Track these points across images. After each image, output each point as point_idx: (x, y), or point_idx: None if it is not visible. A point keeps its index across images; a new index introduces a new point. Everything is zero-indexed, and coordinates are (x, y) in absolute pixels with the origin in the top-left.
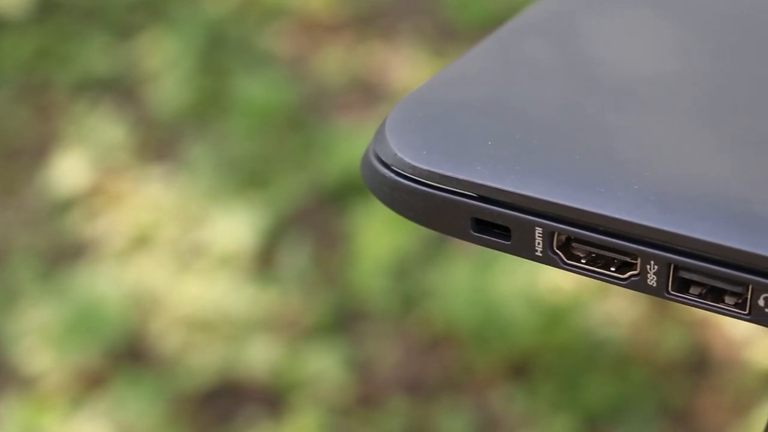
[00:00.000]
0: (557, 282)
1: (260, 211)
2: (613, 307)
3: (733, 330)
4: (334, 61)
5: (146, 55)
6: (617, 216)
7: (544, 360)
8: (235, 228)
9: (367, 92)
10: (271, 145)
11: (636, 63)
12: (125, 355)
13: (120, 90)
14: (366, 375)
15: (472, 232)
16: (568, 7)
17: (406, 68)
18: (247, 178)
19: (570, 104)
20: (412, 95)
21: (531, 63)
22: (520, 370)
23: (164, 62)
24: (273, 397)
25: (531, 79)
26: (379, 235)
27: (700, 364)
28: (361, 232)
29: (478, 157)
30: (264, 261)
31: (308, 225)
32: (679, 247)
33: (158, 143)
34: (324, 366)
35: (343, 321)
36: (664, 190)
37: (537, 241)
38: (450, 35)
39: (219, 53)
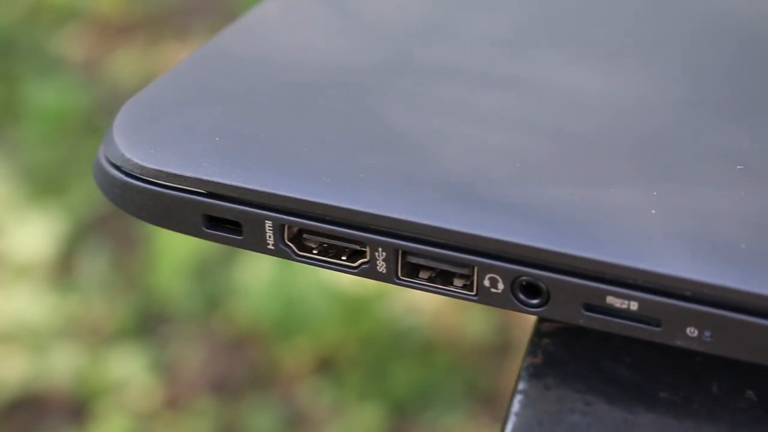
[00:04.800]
0: None
1: (57, 218)
2: (416, 295)
3: None
4: (128, 63)
5: None
6: (342, 205)
7: (349, 351)
8: (32, 237)
9: None
10: (66, 151)
11: (356, 54)
12: None
13: None
14: (171, 377)
15: (204, 229)
16: (292, 7)
17: None
18: (42, 186)
19: (297, 98)
20: (140, 96)
21: (259, 59)
22: (326, 362)
23: None
24: (77, 406)
25: (258, 75)
26: (178, 237)
27: (504, 346)
28: (160, 235)
29: (206, 153)
30: (63, 269)
31: (106, 230)
32: (405, 233)
33: None
34: (128, 371)
35: (146, 325)
36: (389, 177)
37: (268, 234)
38: None
39: (8, 60)
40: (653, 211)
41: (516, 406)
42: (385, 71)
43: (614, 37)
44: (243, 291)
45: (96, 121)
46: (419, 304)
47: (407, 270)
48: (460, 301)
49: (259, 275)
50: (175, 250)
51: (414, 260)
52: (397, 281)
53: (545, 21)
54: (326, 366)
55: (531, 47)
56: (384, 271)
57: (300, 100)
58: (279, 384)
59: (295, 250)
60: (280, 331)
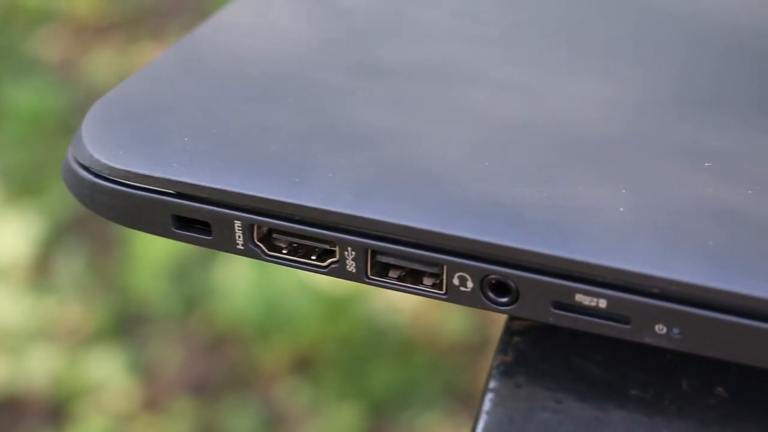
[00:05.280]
0: None
1: (34, 220)
2: (395, 294)
3: None
4: (104, 64)
5: None
6: (311, 205)
7: (327, 351)
8: (8, 239)
9: None
10: (42, 152)
11: (325, 53)
12: None
13: None
14: (150, 378)
15: (173, 230)
16: (262, 7)
17: None
18: (18, 187)
19: (267, 98)
20: (108, 97)
21: (229, 59)
22: (305, 362)
23: None
24: (55, 408)
25: (228, 75)
26: (156, 237)
27: (482, 345)
28: (137, 236)
29: (175, 153)
30: (40, 270)
31: (83, 231)
32: (374, 232)
33: None
34: (106, 372)
35: (124, 326)
36: (358, 176)
37: (237, 234)
38: None
39: None
40: (621, 209)
41: (487, 405)
42: (355, 70)
43: (581, 36)
44: (221, 291)
45: (72, 122)
46: (398, 304)
47: (377, 269)
48: (433, 300)
49: (237, 275)
50: (153, 251)
51: (383, 259)
52: (367, 280)
53: (513, 19)
54: (305, 366)
55: (499, 46)
56: (353, 271)
57: (269, 100)
58: (258, 384)
59: (265, 250)
60: (258, 332)
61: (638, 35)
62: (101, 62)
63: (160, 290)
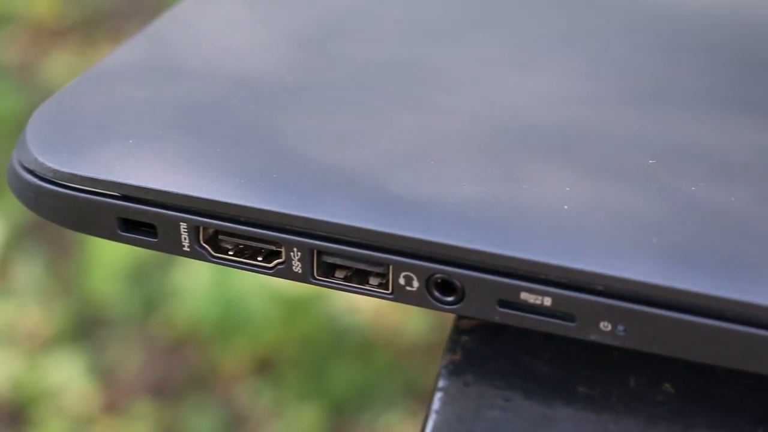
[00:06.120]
0: None
1: None
2: (353, 294)
3: None
4: (63, 66)
5: None
6: (256, 206)
7: (288, 351)
8: None
9: None
10: (1, 156)
11: (270, 55)
12: None
13: None
14: (110, 381)
15: (119, 232)
16: (209, 8)
17: None
18: None
19: (211, 99)
20: (53, 99)
21: (174, 60)
22: (265, 363)
23: None
24: (15, 412)
25: (172, 76)
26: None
27: (442, 344)
28: (96, 239)
29: (119, 156)
30: None
31: (42, 235)
32: (319, 233)
33: None
34: (66, 376)
35: (84, 329)
36: (302, 177)
37: (183, 236)
38: None
39: None
40: (566, 207)
41: (436, 404)
42: (299, 71)
43: (525, 33)
44: (180, 293)
45: None
46: (358, 304)
47: (323, 270)
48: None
49: (196, 277)
50: (111, 254)
51: (329, 260)
52: (313, 281)
53: (456, 16)
54: (265, 367)
55: (442, 44)
56: (300, 272)
57: (214, 101)
58: (218, 386)
59: (211, 251)
60: (218, 333)
61: (586, 30)
62: (60, 64)
63: (119, 293)
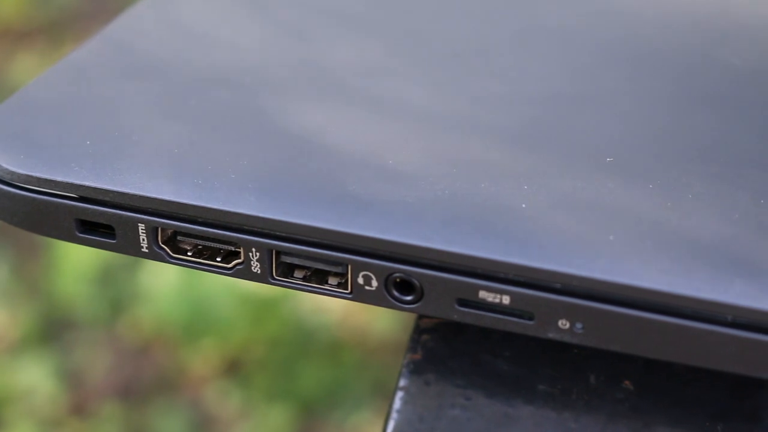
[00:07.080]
0: None
1: None
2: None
3: None
4: (29, 68)
5: None
6: (214, 206)
7: (256, 352)
8: None
9: None
10: None
11: (228, 55)
12: None
13: None
14: (77, 384)
15: (77, 234)
16: (166, 8)
17: None
18: None
19: (169, 100)
20: (9, 101)
21: (132, 61)
22: (234, 364)
23: None
24: None
25: (130, 77)
26: None
27: None
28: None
29: (77, 157)
30: None
31: (7, 237)
32: (277, 233)
33: None
34: (33, 378)
35: (51, 331)
36: (260, 177)
37: (141, 237)
38: None
39: None
40: (523, 206)
41: (397, 403)
42: (260, 71)
43: (487, 35)
44: (148, 295)
45: None
46: (326, 304)
47: (282, 270)
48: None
49: (163, 279)
50: (78, 256)
51: (288, 260)
52: (272, 281)
53: (426, 21)
54: (234, 368)
55: (411, 45)
56: (258, 272)
57: (172, 103)
58: (186, 387)
59: (170, 252)
60: (186, 335)
61: (550, 34)
62: (26, 67)
63: (86, 295)
